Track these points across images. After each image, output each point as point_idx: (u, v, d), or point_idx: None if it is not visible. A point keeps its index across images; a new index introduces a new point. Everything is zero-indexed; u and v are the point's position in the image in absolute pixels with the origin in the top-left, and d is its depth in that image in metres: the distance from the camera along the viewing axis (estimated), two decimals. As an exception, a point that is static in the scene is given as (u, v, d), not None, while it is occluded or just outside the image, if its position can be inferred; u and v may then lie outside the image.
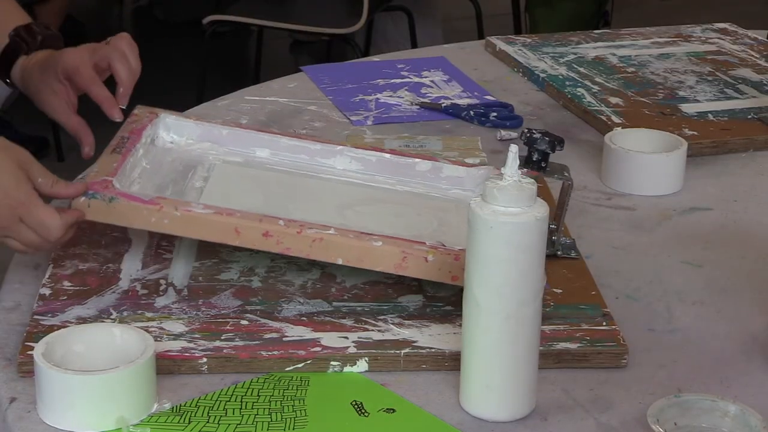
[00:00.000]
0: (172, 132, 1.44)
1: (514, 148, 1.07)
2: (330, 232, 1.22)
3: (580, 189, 1.38)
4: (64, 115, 1.42)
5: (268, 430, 1.06)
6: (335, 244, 1.22)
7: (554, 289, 1.23)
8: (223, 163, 1.41)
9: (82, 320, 1.19)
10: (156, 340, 1.12)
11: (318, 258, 1.23)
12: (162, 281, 1.28)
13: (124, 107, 1.39)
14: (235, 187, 1.38)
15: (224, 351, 1.15)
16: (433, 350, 1.16)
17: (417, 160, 1.41)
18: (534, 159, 1.31)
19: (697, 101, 1.82)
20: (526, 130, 1.32)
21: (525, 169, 1.31)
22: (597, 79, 1.89)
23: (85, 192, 1.24)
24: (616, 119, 1.73)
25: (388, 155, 1.43)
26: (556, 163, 1.33)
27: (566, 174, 1.33)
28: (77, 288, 1.26)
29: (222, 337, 1.17)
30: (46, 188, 1.23)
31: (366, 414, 1.09)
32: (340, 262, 1.22)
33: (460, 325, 1.10)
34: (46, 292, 1.25)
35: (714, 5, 5.16)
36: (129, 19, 5.07)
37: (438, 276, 1.21)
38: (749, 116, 1.76)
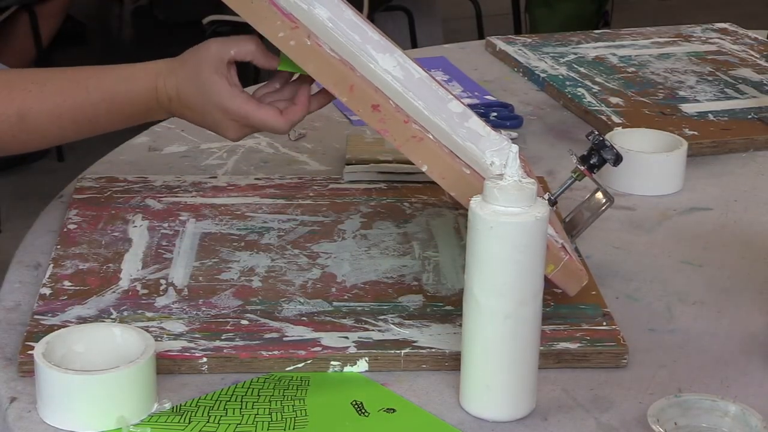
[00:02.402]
0: None
1: (514, 148, 1.07)
2: (430, 136, 1.20)
3: (580, 189, 1.38)
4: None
5: (268, 429, 1.06)
6: (430, 150, 1.19)
7: (554, 289, 1.23)
8: (298, 3, 1.29)
9: (83, 320, 1.19)
10: (156, 340, 1.12)
11: (406, 153, 1.20)
12: (162, 281, 1.28)
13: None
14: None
15: (224, 351, 1.15)
16: (433, 350, 1.16)
17: (453, 98, 1.35)
18: (591, 162, 1.32)
19: (698, 101, 1.82)
20: (596, 133, 1.32)
21: (583, 167, 1.32)
22: (597, 79, 1.89)
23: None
24: (616, 119, 1.73)
25: (430, 80, 1.35)
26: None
27: (607, 191, 1.34)
28: (77, 288, 1.26)
29: (222, 337, 1.17)
30: (259, 61, 1.28)
31: (366, 414, 1.09)
32: (424, 168, 1.19)
33: (460, 325, 1.10)
34: (47, 291, 1.25)
35: (714, 5, 5.16)
36: (129, 19, 5.06)
37: None
38: (749, 116, 1.76)
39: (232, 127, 1.29)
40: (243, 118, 1.28)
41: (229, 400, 1.10)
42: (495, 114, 1.75)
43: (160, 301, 1.24)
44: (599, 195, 1.34)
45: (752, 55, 2.03)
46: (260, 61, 1.29)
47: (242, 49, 1.28)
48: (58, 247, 1.34)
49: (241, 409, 1.09)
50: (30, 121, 1.23)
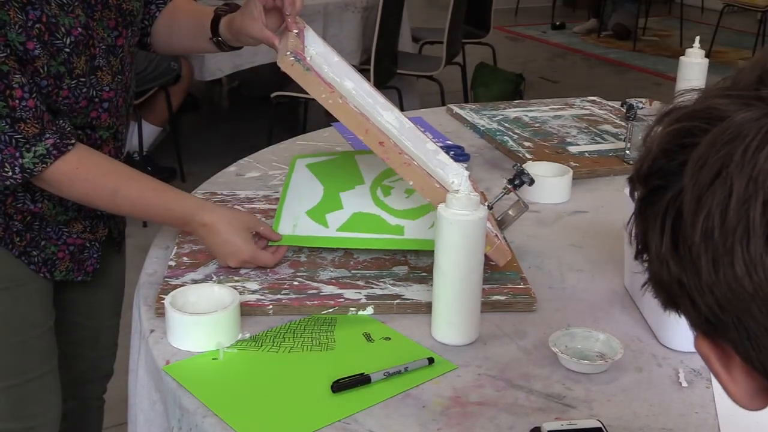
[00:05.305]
0: (312, 43, 1.30)
1: (466, 173, 1.05)
2: (415, 163, 1.16)
3: (507, 200, 1.37)
4: (258, 31, 1.25)
5: (311, 350, 1.05)
6: (414, 171, 1.15)
7: (490, 262, 1.21)
8: (334, 77, 1.25)
9: (195, 281, 1.17)
10: (240, 294, 1.11)
11: (399, 172, 1.15)
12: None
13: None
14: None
15: (283, 301, 1.13)
16: (414, 300, 1.14)
17: (429, 140, 1.32)
18: (515, 183, 1.31)
19: (578, 144, 1.80)
20: (518, 165, 1.31)
21: (510, 186, 1.30)
22: (516, 131, 1.87)
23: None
24: (528, 156, 1.71)
25: (415, 129, 1.31)
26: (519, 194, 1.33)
27: (524, 201, 1.32)
28: (192, 261, 1.24)
29: (281, 292, 1.15)
30: (265, 234, 1.22)
31: (372, 341, 1.07)
32: (411, 183, 1.15)
33: (432, 285, 1.08)
34: (172, 263, 1.23)
35: (586, 86, 5.15)
36: (226, 95, 5.04)
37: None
38: (610, 154, 1.74)
39: (236, 262, 1.20)
40: (251, 259, 1.20)
41: (286, 332, 1.09)
42: (453, 152, 1.72)
43: (243, 270, 1.22)
44: (519, 203, 1.32)
45: (612, 117, 2.01)
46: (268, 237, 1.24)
47: (265, 229, 1.23)
48: (180, 235, 1.32)
49: (293, 337, 1.07)
50: (119, 197, 1.18)
